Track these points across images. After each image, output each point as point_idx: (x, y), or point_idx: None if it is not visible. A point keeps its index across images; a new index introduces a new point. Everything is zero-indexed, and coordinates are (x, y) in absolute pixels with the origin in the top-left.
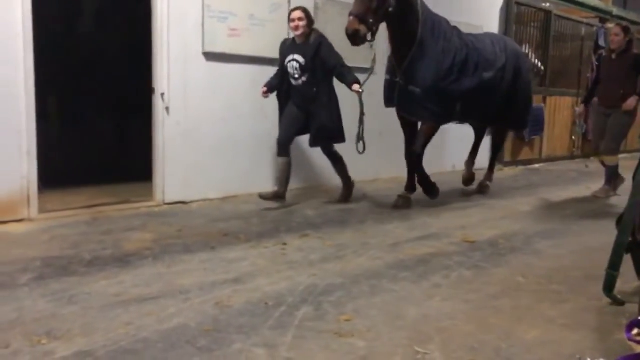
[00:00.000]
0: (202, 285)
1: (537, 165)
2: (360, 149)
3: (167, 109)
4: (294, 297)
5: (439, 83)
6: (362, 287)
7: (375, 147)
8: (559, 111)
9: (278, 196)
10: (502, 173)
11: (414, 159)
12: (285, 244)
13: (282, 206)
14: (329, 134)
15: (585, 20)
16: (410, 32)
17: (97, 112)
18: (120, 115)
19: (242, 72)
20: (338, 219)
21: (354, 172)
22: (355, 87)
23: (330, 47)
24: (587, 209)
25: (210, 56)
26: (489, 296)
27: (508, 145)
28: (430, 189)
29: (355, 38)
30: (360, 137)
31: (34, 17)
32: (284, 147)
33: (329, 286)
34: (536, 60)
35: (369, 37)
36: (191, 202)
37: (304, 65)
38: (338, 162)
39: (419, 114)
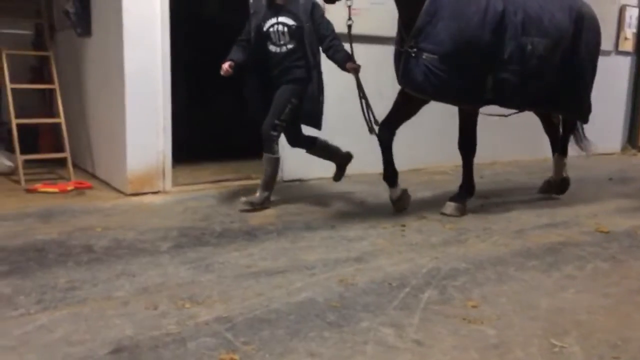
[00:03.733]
0: (325, 262)
1: None
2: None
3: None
4: (417, 279)
5: (463, 48)
6: (487, 273)
7: (493, 129)
8: None
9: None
10: (637, 159)
11: (470, 154)
12: (404, 225)
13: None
14: (308, 115)
15: None
16: None
17: (221, 91)
18: (243, 94)
19: (362, 51)
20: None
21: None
22: (350, 64)
23: (322, 11)
24: None
25: None
26: (631, 291)
27: None
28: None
29: None
30: (372, 124)
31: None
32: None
33: (452, 270)
34: None
35: None
36: (308, 179)
37: (294, 29)
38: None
39: (436, 91)
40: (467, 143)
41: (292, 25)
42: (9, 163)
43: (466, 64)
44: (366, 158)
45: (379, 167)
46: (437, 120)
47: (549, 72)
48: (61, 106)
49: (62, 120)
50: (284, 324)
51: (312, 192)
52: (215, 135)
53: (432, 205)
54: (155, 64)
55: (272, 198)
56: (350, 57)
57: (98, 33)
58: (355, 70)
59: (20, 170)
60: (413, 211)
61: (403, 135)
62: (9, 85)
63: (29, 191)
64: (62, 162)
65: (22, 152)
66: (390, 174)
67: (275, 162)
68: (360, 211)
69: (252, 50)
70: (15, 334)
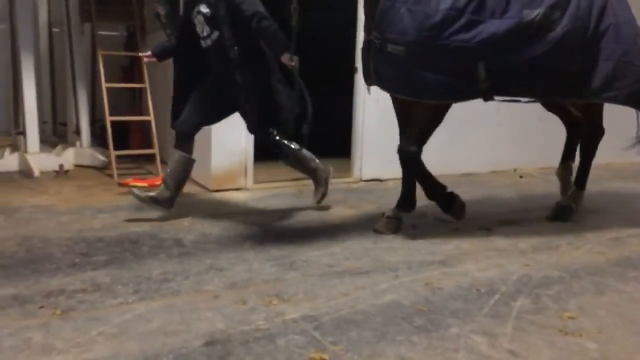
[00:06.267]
0: (410, 264)
1: None
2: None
3: (369, 88)
4: (507, 287)
5: (436, 34)
6: (583, 283)
7: None
8: None
9: (158, 201)
10: None
11: (408, 160)
12: (489, 229)
13: (478, 191)
14: (265, 115)
15: None
16: None
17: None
18: (322, 93)
19: None
20: (543, 206)
21: (555, 156)
22: (285, 58)
23: None
24: None
25: None
26: None
27: None
28: (448, 203)
29: None
30: (306, 131)
31: None
32: (184, 139)
33: (545, 279)
34: None
35: None
36: (387, 180)
37: (210, 18)
38: (289, 157)
39: (411, 90)
40: (409, 152)
41: (207, 13)
42: (102, 158)
43: (442, 54)
44: (446, 159)
45: (459, 168)
46: (522, 120)
47: (566, 49)
48: (151, 105)
49: (152, 118)
50: (371, 326)
51: (391, 192)
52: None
53: (518, 209)
54: None
55: (351, 199)
56: (286, 48)
57: None
58: (292, 66)
59: (114, 166)
60: (498, 215)
61: (486, 135)
62: (104, 85)
63: (121, 185)
64: (151, 158)
65: (115, 148)
66: (411, 199)
67: (301, 156)
68: (442, 213)
69: (182, 41)
70: (115, 322)
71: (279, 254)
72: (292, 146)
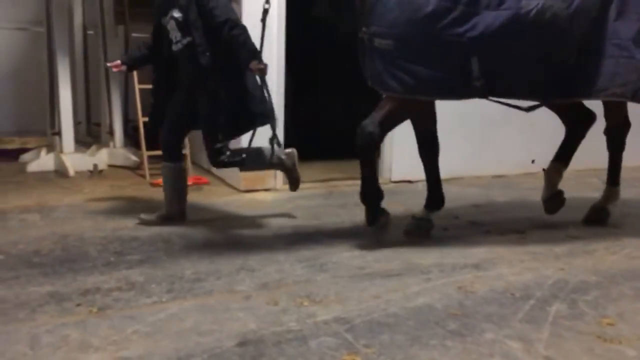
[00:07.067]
0: (441, 267)
1: None
2: (276, 146)
3: None
4: (542, 291)
5: (427, 26)
6: (622, 288)
7: None
8: None
9: (169, 217)
10: None
11: (364, 139)
12: (522, 232)
13: (511, 193)
14: (235, 121)
15: None
16: None
17: (327, 91)
18: (351, 94)
19: None
20: (577, 208)
21: (592, 157)
22: (254, 64)
23: None
24: None
25: None
26: None
27: None
28: (376, 214)
29: None
30: (273, 140)
31: None
32: (171, 149)
33: (581, 283)
34: None
35: None
36: (417, 181)
37: (182, 22)
38: (244, 163)
39: (407, 88)
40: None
41: (179, 17)
42: (134, 158)
43: (434, 48)
44: (478, 160)
45: (491, 170)
46: (556, 120)
47: (569, 45)
48: None
49: None
50: (404, 329)
51: (421, 193)
52: (321, 134)
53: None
54: (270, 64)
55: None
56: (255, 55)
57: None
58: (261, 71)
59: (146, 166)
60: (531, 218)
61: (519, 136)
62: (137, 86)
63: (153, 185)
64: None
65: (146, 148)
66: (439, 197)
67: (259, 161)
68: (473, 214)
69: (155, 48)
70: (149, 321)
71: (309, 255)
72: (243, 156)
